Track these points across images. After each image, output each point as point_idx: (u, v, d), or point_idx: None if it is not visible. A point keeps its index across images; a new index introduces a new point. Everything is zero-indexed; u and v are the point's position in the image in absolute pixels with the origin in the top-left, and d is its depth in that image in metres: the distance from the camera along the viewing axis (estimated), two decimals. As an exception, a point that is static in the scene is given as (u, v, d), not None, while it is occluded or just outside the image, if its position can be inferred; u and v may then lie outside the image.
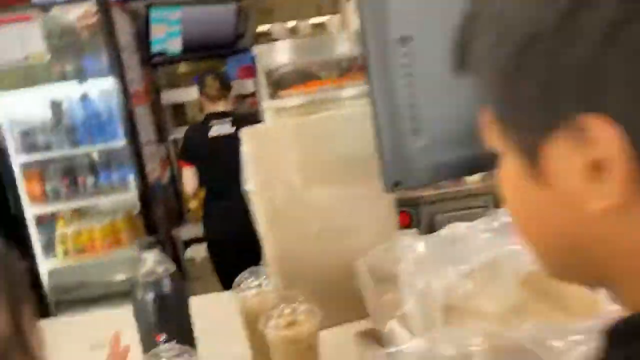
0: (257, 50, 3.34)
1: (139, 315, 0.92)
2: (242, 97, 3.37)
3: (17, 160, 2.83)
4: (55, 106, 2.89)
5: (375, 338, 0.92)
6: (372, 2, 0.85)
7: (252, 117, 3.21)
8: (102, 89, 2.82)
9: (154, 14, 2.99)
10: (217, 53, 3.42)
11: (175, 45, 3.17)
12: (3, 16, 2.59)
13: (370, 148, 1.16)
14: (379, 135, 0.87)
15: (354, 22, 3.52)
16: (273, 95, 3.38)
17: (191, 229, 3.31)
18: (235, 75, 3.37)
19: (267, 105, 3.35)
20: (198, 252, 3.21)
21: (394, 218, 1.20)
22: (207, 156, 2.69)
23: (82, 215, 3.20)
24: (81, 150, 2.94)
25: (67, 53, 2.77)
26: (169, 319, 0.92)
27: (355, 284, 1.10)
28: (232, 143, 2.75)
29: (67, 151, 2.91)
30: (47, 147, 2.89)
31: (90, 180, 3.03)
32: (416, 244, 0.83)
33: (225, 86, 2.82)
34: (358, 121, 1.18)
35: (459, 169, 0.96)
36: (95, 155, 3.03)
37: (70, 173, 3.02)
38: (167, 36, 3.09)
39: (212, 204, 2.74)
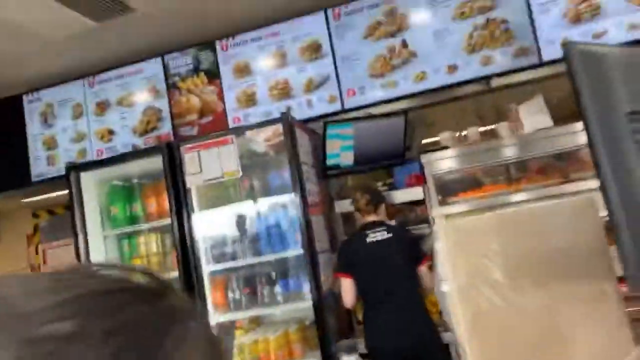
0: (426, 158, 3.39)
1: None
2: (411, 205, 3.35)
3: (207, 269, 3.10)
4: (241, 220, 3.17)
5: None
6: (594, 78, 0.77)
7: (406, 226, 3.21)
8: (283, 201, 3.04)
9: (330, 130, 3.22)
10: (386, 164, 3.51)
11: (348, 159, 3.34)
12: (207, 141, 3.03)
13: (592, 241, 1.01)
14: (617, 221, 0.73)
15: (524, 126, 3.39)
16: (442, 201, 3.32)
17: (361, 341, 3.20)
18: (404, 184, 3.39)
19: (436, 212, 3.29)
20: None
21: (626, 324, 0.98)
22: (364, 263, 2.73)
23: (258, 324, 3.31)
24: (262, 259, 3.12)
25: (255, 171, 3.10)
26: None
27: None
28: (389, 246, 2.76)
29: (249, 260, 3.11)
30: (233, 257, 3.14)
31: (267, 289, 3.17)
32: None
33: (375, 199, 2.90)
34: (570, 211, 1.05)
35: None
36: (273, 264, 3.19)
37: (251, 283, 3.19)
38: (341, 150, 3.28)
39: (371, 314, 2.70)
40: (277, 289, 3.16)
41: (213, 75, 3.67)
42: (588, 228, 1.01)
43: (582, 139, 3.06)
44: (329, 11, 3.41)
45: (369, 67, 3.32)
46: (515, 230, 1.03)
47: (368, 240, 2.78)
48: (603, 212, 0.95)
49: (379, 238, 2.78)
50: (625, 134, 0.75)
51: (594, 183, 2.70)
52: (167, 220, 3.18)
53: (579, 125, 3.12)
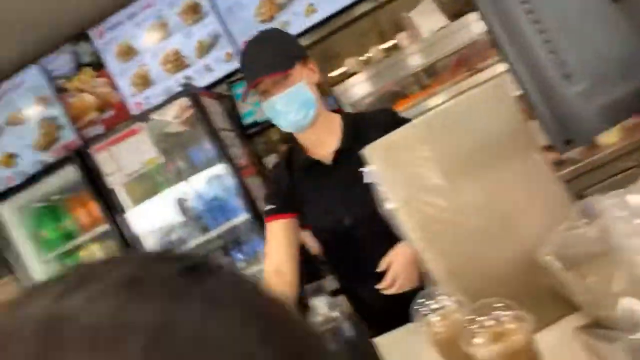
0: (339, 89, 3.38)
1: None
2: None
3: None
4: (180, 203, 3.07)
5: (600, 327, 0.77)
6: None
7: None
8: (215, 173, 2.95)
9: (237, 89, 3.12)
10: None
11: (263, 114, 3.27)
12: (115, 136, 2.85)
13: (512, 122, 1.04)
14: (531, 96, 0.75)
15: (421, 31, 3.43)
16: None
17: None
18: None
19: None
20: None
21: (563, 191, 1.04)
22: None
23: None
24: (212, 234, 3.07)
25: (177, 151, 2.97)
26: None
27: (540, 277, 0.96)
28: None
29: (199, 239, 3.05)
30: (182, 243, 3.06)
31: (224, 262, 3.14)
32: (626, 200, 0.68)
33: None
34: (484, 101, 1.07)
35: (629, 105, 0.81)
36: (224, 237, 3.15)
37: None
38: (254, 106, 3.20)
39: None
40: (234, 259, 3.14)
41: (98, 66, 3.41)
42: (504, 109, 1.04)
43: (479, 28, 3.16)
44: (198, -34, 3.21)
45: (256, 14, 3.20)
46: (440, 132, 1.05)
47: None
48: (514, 92, 0.97)
49: None
50: (519, 13, 0.76)
51: (502, 66, 2.80)
52: (104, 226, 3.04)
53: (473, 16, 3.20)
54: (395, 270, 1.29)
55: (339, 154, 1.41)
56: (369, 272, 1.34)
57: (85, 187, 2.92)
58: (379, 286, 1.29)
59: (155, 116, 2.81)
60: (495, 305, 0.76)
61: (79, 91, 3.46)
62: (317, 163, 1.44)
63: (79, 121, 3.48)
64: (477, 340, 0.74)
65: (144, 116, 2.87)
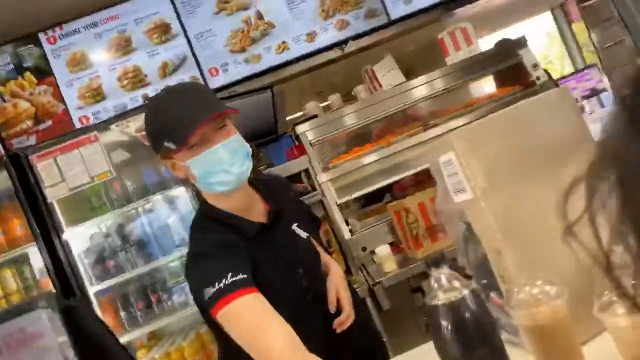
0: (300, 130, 3.38)
1: (446, 345, 0.76)
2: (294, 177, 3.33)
3: (92, 291, 2.67)
4: (122, 227, 2.80)
5: None
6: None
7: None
8: (170, 197, 2.75)
9: (201, 115, 3.00)
10: (261, 142, 3.42)
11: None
12: (64, 144, 2.57)
13: (576, 127, 1.08)
14: None
15: (382, 84, 3.60)
16: (325, 169, 3.36)
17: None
18: (285, 158, 3.35)
19: (322, 179, 3.31)
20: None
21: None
22: None
23: (160, 339, 2.97)
24: (153, 265, 2.80)
25: (129, 169, 2.73)
26: (483, 343, 0.77)
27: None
28: None
29: (139, 270, 2.76)
30: (119, 272, 2.75)
31: (165, 297, 2.86)
32: None
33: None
34: (550, 104, 1.11)
35: None
36: (168, 269, 2.88)
37: (145, 295, 2.84)
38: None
39: None
40: (175, 296, 2.87)
41: (43, 73, 3.12)
42: (570, 115, 1.09)
43: (435, 87, 3.38)
44: (173, -12, 3.15)
45: (227, 44, 3.16)
46: (514, 129, 1.06)
47: None
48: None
49: None
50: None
51: (454, 123, 2.96)
52: (23, 249, 2.65)
53: (425, 78, 3.43)
54: (347, 303, 1.32)
55: (272, 214, 1.28)
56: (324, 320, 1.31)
57: (17, 199, 2.56)
58: (339, 328, 1.30)
59: (115, 127, 2.59)
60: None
61: (14, 96, 3.12)
62: (262, 226, 1.25)
63: (9, 129, 3.11)
64: (617, 310, 0.72)
65: (100, 126, 2.63)
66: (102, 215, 2.71)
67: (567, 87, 1.08)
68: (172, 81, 3.13)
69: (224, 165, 1.17)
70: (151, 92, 3.10)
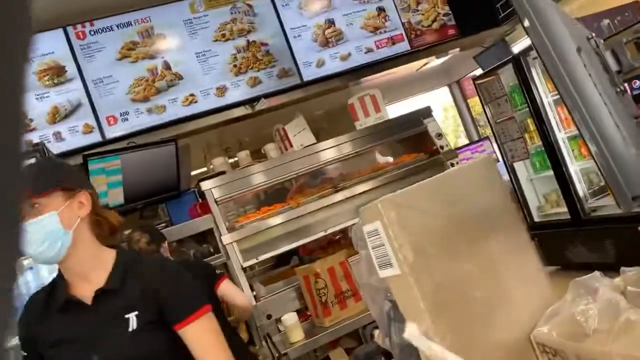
0: (205, 186, 3.19)
1: None
2: (202, 235, 3.11)
3: None
4: None
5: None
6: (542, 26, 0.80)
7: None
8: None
9: (92, 165, 2.71)
10: (162, 198, 3.17)
11: (117, 197, 2.87)
12: None
13: (500, 196, 1.05)
14: (602, 154, 0.76)
15: (293, 144, 3.55)
16: (231, 228, 3.17)
17: None
18: (187, 216, 3.12)
19: (226, 239, 3.11)
20: None
21: (543, 271, 1.05)
22: None
23: None
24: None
25: None
26: None
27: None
28: None
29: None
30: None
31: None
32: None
33: (155, 237, 2.56)
34: (476, 174, 1.08)
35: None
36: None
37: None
38: (109, 187, 2.80)
39: None
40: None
41: None
42: (495, 186, 1.06)
43: (345, 150, 3.39)
44: (70, 29, 2.91)
45: (129, 92, 2.95)
46: (442, 199, 1.00)
47: None
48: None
49: None
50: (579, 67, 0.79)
51: (362, 187, 2.96)
52: None
53: (334, 140, 3.44)
54: None
55: (101, 293, 1.27)
56: None
57: None
58: None
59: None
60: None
61: None
62: (76, 303, 1.27)
63: None
64: None
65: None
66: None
67: (493, 157, 1.04)
68: (62, 127, 2.83)
69: (28, 243, 1.22)
70: (36, 138, 2.77)
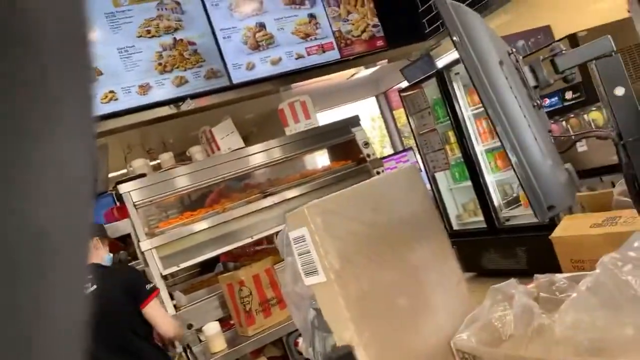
0: (123, 189, 3.01)
1: None
2: (121, 240, 2.94)
3: None
4: None
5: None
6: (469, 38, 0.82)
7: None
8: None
9: None
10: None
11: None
12: None
13: (422, 204, 1.06)
14: (522, 165, 0.78)
15: (220, 147, 3.46)
16: (150, 234, 3.02)
17: None
18: (104, 221, 2.94)
19: (145, 245, 2.97)
20: None
21: (462, 278, 1.08)
22: None
23: None
24: None
25: None
26: None
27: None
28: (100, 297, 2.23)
29: None
30: None
31: None
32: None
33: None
34: (401, 182, 1.08)
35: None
36: None
37: None
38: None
39: None
40: None
41: None
42: (419, 195, 1.07)
43: (273, 155, 3.35)
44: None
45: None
46: (368, 206, 1.00)
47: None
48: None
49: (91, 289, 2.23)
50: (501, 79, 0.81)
51: (290, 193, 2.94)
52: None
53: (263, 145, 3.39)
54: None
55: None
56: None
57: None
58: None
59: None
60: None
61: None
62: None
63: None
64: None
65: None
66: None
67: (417, 166, 1.05)
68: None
69: None
70: None
